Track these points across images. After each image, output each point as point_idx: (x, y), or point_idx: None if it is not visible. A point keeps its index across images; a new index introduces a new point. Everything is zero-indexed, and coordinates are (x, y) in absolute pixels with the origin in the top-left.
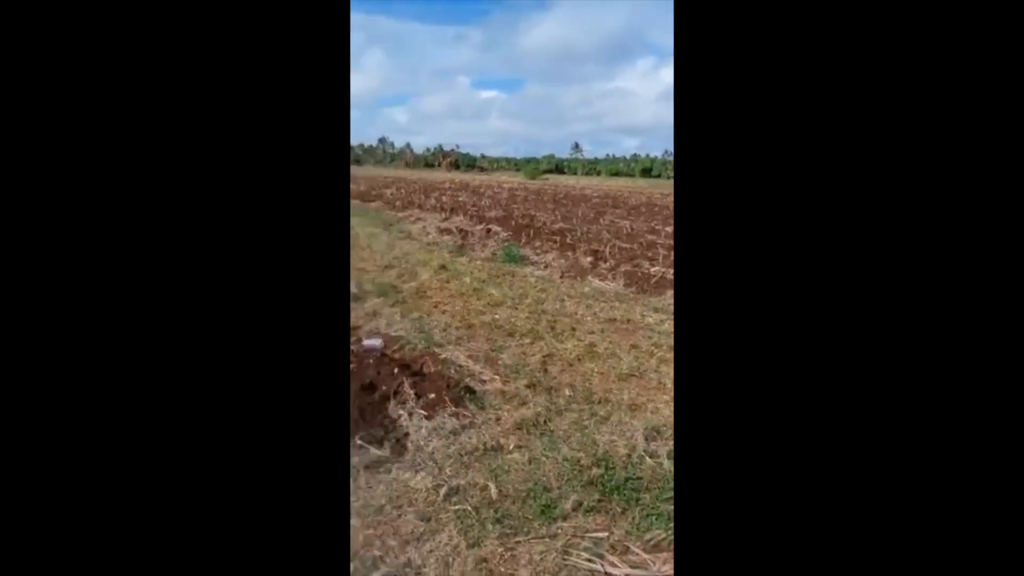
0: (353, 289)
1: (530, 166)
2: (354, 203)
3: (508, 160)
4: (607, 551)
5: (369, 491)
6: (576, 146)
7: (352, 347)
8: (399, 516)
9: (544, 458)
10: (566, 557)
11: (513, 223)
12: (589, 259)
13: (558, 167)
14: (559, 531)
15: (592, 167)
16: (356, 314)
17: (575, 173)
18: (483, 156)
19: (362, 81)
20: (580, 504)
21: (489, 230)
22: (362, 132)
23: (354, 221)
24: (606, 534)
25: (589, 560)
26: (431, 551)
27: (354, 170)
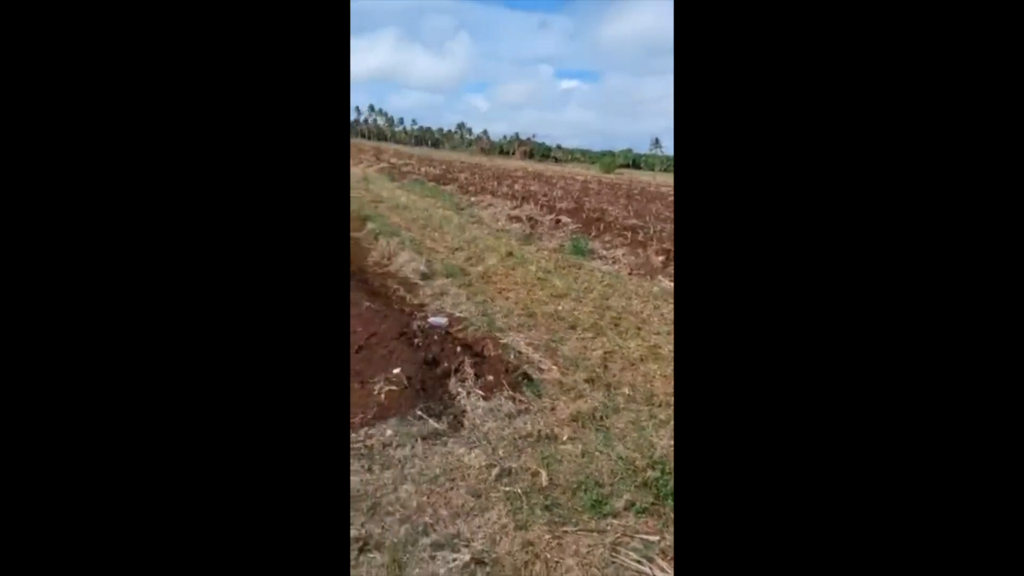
0: (423, 268)
1: (605, 159)
2: (430, 185)
3: (583, 152)
4: (657, 555)
5: (425, 461)
6: (656, 142)
7: (418, 323)
8: (451, 488)
9: (598, 453)
10: (614, 555)
11: (583, 216)
12: (661, 258)
13: (635, 162)
14: (608, 527)
15: (671, 164)
16: (424, 292)
17: (652, 169)
18: (558, 147)
19: (448, 67)
20: (632, 504)
21: (559, 221)
22: (442, 118)
23: (428, 203)
24: (657, 538)
25: (638, 562)
26: (480, 527)
27: (432, 153)
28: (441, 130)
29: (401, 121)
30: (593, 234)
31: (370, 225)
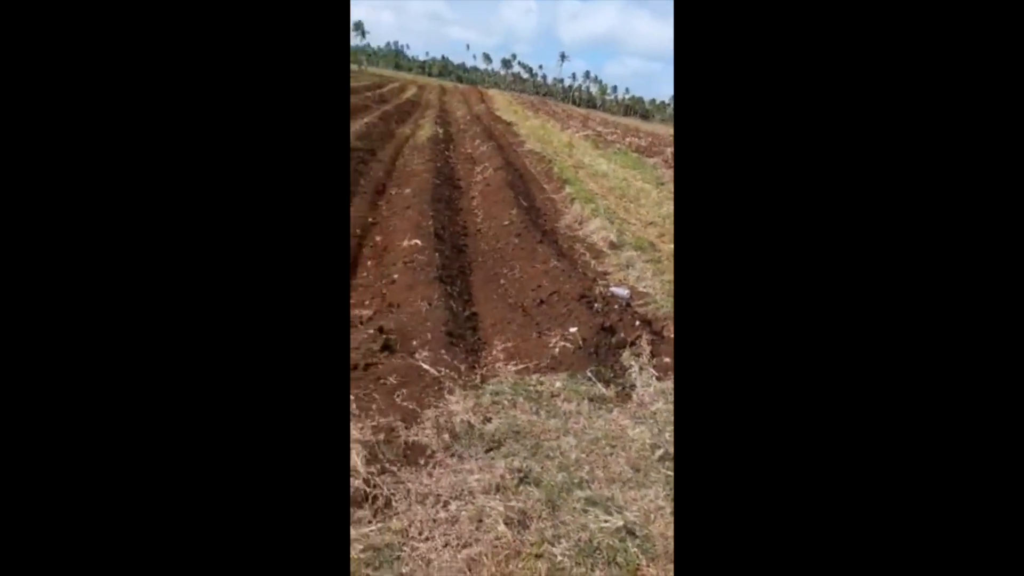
0: (612, 237)
1: None
2: (633, 156)
3: None
4: None
5: (588, 420)
6: None
7: (600, 289)
8: (611, 454)
9: None
10: None
11: None
12: None
13: None
14: None
15: None
16: (610, 261)
17: None
18: None
19: (669, 31)
20: None
21: None
22: (656, 88)
23: (629, 174)
24: None
25: None
26: (635, 499)
27: (640, 124)
28: (653, 101)
29: (614, 89)
30: None
31: (568, 189)
